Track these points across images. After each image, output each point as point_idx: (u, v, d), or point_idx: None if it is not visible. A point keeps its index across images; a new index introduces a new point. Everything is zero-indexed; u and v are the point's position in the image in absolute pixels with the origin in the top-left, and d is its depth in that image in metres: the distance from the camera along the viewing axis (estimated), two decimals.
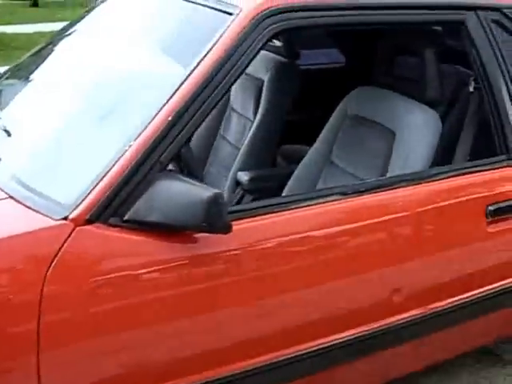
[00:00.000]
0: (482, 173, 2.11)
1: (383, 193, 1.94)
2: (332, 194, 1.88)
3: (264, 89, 3.07)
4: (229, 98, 3.23)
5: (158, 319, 1.65)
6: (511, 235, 2.15)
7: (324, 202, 1.85)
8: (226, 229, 1.59)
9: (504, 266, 2.19)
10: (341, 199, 1.87)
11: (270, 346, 1.81)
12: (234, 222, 1.65)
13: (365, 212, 1.90)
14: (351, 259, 1.88)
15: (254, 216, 1.76)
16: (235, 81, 1.77)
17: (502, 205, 2.08)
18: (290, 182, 2.58)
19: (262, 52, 3.00)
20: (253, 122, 3.08)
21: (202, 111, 1.70)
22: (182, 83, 1.71)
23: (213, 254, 1.68)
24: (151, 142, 1.64)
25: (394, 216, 1.94)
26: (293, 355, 1.83)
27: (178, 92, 1.70)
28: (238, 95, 3.19)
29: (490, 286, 2.17)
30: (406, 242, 1.98)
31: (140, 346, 1.64)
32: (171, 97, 1.69)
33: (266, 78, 3.07)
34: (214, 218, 1.55)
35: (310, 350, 1.86)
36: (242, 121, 3.18)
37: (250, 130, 3.08)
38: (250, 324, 1.78)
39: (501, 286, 2.19)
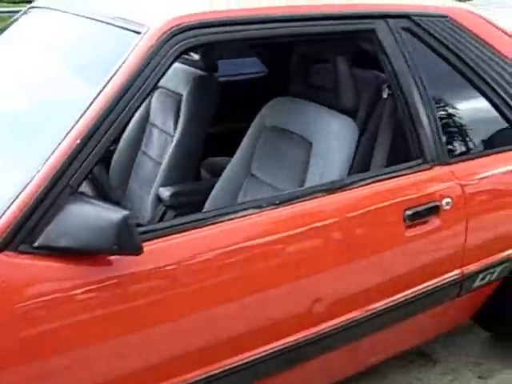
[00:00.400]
0: (398, 178, 2.13)
1: (300, 203, 1.93)
2: (248, 208, 1.86)
3: (183, 103, 3.06)
4: (149, 114, 3.21)
5: (77, 343, 1.61)
6: (429, 238, 2.17)
7: (240, 217, 1.83)
8: (137, 250, 1.57)
9: (424, 269, 2.22)
10: (258, 212, 1.86)
11: (191, 365, 1.79)
12: (147, 242, 1.64)
13: (282, 224, 1.89)
14: (271, 272, 1.87)
15: (169, 234, 1.74)
16: (144, 100, 1.75)
17: (418, 209, 2.11)
18: (211, 196, 2.58)
19: (180, 66, 3.02)
20: (173, 137, 3.06)
21: (111, 132, 1.67)
22: (91, 104, 1.68)
23: (126, 276, 1.65)
24: (60, 166, 1.60)
25: (312, 226, 1.93)
26: (216, 371, 1.81)
27: (86, 113, 1.66)
28: (158, 111, 3.17)
29: (413, 289, 2.19)
30: (325, 251, 1.98)
31: (62, 372, 1.61)
32: (80, 118, 1.66)
33: (184, 92, 3.05)
34: (125, 240, 1.53)
35: (234, 365, 1.84)
36: (163, 136, 3.16)
37: (170, 144, 3.05)
38: (169, 343, 1.75)
39: (423, 288, 2.21)
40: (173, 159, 3.00)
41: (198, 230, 1.78)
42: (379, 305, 2.12)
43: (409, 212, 2.08)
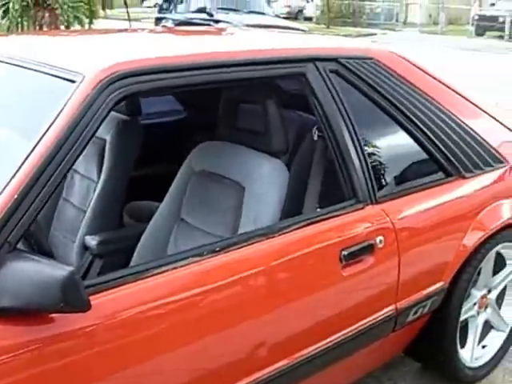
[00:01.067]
0: (332, 219, 2.16)
1: (235, 251, 1.93)
2: (184, 258, 1.84)
3: (107, 149, 3.02)
4: None
5: None
6: (364, 276, 2.20)
7: (179, 267, 1.81)
8: (85, 306, 1.52)
9: (361, 307, 2.25)
10: (194, 261, 1.84)
11: None
12: (93, 296, 1.60)
13: (218, 272, 1.88)
14: (211, 319, 1.85)
15: (110, 288, 1.70)
16: (83, 150, 1.71)
17: (354, 248, 2.14)
18: (141, 243, 2.54)
19: None
20: (97, 184, 3.01)
21: (50, 185, 1.62)
22: (27, 158, 1.63)
23: (71, 332, 1.59)
24: None
25: (249, 272, 1.93)
26: None
27: (22, 167, 1.61)
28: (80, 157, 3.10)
29: (350, 328, 2.21)
30: (264, 295, 1.98)
31: None
32: (16, 173, 1.60)
33: (107, 137, 3.01)
34: (72, 297, 1.49)
35: None
36: (86, 182, 3.10)
37: (94, 191, 3.00)
38: None
39: (360, 326, 2.24)
40: (98, 206, 2.95)
41: (145, 280, 1.74)
42: (317, 346, 2.12)
43: (345, 252, 2.11)
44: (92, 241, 2.59)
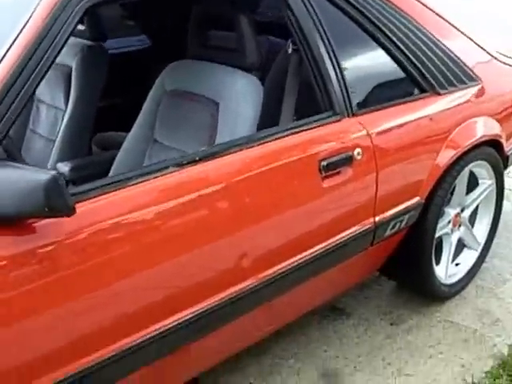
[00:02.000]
0: (310, 130, 2.13)
1: (212, 161, 1.89)
2: (164, 168, 1.81)
3: (73, 76, 2.95)
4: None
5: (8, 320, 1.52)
6: (343, 188, 2.19)
7: (160, 176, 1.78)
8: (70, 210, 1.48)
9: (339, 220, 2.24)
10: (175, 170, 1.81)
11: (122, 332, 1.74)
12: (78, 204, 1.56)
13: (198, 181, 1.85)
14: (192, 229, 1.83)
15: (91, 198, 1.66)
16: (56, 56, 1.65)
17: (333, 159, 2.12)
18: (114, 166, 2.50)
19: None
20: (65, 112, 2.94)
21: (26, 89, 1.57)
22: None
23: (56, 242, 1.56)
24: None
25: (229, 182, 1.90)
26: (143, 339, 1.78)
27: None
28: (45, 85, 3.01)
29: (329, 241, 2.21)
30: (244, 207, 1.95)
31: None
32: None
33: (73, 63, 2.93)
34: (56, 201, 1.44)
35: (159, 330, 1.81)
36: (53, 112, 3.03)
37: (62, 120, 2.94)
38: (96, 313, 1.68)
39: (339, 239, 2.24)
40: (67, 134, 2.90)
41: (127, 188, 1.72)
42: (297, 259, 2.12)
43: (324, 163, 2.09)
44: (64, 167, 2.53)
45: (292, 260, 2.11)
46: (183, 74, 2.44)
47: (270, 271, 2.06)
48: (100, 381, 1.73)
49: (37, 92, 2.99)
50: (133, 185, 1.73)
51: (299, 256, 2.14)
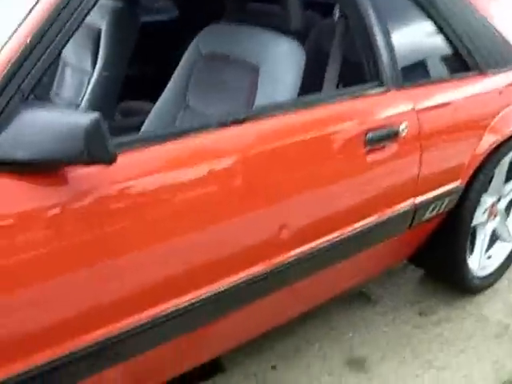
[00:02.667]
0: (356, 100, 2.01)
1: (254, 123, 1.77)
2: (207, 126, 1.68)
3: (102, 38, 2.83)
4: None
5: (38, 277, 1.40)
6: (386, 165, 2.07)
7: (203, 133, 1.66)
8: (110, 158, 1.36)
9: (380, 198, 2.12)
10: (217, 130, 1.69)
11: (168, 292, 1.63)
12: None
13: (235, 145, 1.72)
14: (231, 197, 1.71)
15: (132, 150, 1.54)
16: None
17: (379, 132, 2.00)
18: (143, 130, 2.37)
19: None
20: (92, 75, 2.82)
21: (65, 30, 1.44)
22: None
23: (97, 193, 1.44)
24: (9, 68, 1.36)
25: (266, 148, 1.78)
26: (167, 312, 1.66)
27: (36, 8, 1.42)
28: (72, 47, 2.91)
29: (369, 219, 2.09)
30: (285, 175, 1.83)
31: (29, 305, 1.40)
32: (28, 14, 1.42)
33: (103, 26, 2.82)
34: (97, 146, 1.31)
35: (183, 305, 1.69)
36: (78, 75, 2.92)
37: (88, 83, 2.82)
38: (144, 271, 1.58)
39: (378, 218, 2.12)
40: (93, 98, 2.79)
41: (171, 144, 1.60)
42: (332, 237, 1.99)
43: (370, 135, 1.97)
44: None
45: (326, 238, 1.99)
46: (221, 37, 2.31)
47: (305, 248, 1.93)
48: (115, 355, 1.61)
49: (63, 54, 2.96)
50: (174, 142, 1.61)
51: (334, 234, 2.01)
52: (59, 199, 1.39)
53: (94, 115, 1.31)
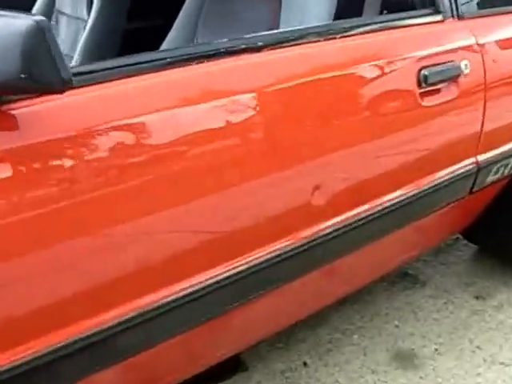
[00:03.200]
0: (406, 28, 1.59)
1: (279, 51, 1.35)
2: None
3: None
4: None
5: None
6: (445, 111, 1.65)
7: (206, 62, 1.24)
8: (63, 82, 0.94)
9: (440, 151, 1.69)
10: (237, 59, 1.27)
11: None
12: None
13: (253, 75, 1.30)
14: (253, 153, 1.29)
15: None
16: None
17: (436, 69, 1.57)
18: None
19: None
20: (87, 21, 2.43)
21: None
22: None
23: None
24: None
25: (293, 82, 1.36)
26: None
27: None
28: None
29: (424, 180, 1.67)
30: (312, 125, 1.41)
31: None
32: None
33: None
34: (39, 63, 0.90)
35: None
36: (73, 23, 2.55)
37: (84, 30, 2.43)
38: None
39: (439, 178, 1.70)
40: (87, 48, 2.38)
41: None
42: (378, 204, 1.57)
43: (425, 72, 1.54)
44: None
45: (369, 205, 1.57)
46: None
47: (343, 217, 1.51)
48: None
49: (57, 3, 2.59)
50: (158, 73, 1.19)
51: (378, 201, 1.59)
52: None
53: (36, 18, 0.90)
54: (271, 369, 1.89)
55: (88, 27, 2.41)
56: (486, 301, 2.24)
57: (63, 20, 2.61)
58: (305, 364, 1.92)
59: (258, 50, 1.29)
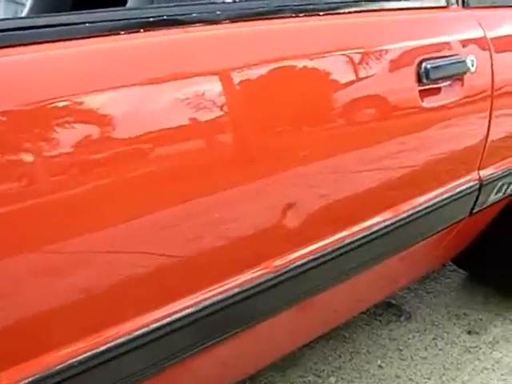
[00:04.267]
0: (404, 11, 1.30)
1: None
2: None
3: None
4: None
5: None
6: (449, 113, 1.36)
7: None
8: None
9: (440, 161, 1.41)
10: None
11: None
12: None
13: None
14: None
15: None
16: None
17: (438, 62, 1.28)
18: None
19: None
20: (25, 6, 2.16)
21: None
22: None
23: None
24: None
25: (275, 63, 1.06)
26: None
27: None
28: None
29: (420, 198, 1.38)
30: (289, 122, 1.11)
31: None
32: None
33: None
34: None
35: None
36: (12, 7, 2.25)
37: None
38: None
39: (434, 197, 1.41)
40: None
41: None
42: (375, 222, 1.28)
43: (426, 65, 1.25)
44: None
45: (358, 227, 1.27)
46: None
47: (328, 241, 1.22)
48: None
49: None
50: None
51: (368, 222, 1.29)
52: None
53: None
54: None
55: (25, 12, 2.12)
56: (479, 336, 1.96)
57: (1, 4, 2.33)
58: None
59: (216, 22, 0.98)
